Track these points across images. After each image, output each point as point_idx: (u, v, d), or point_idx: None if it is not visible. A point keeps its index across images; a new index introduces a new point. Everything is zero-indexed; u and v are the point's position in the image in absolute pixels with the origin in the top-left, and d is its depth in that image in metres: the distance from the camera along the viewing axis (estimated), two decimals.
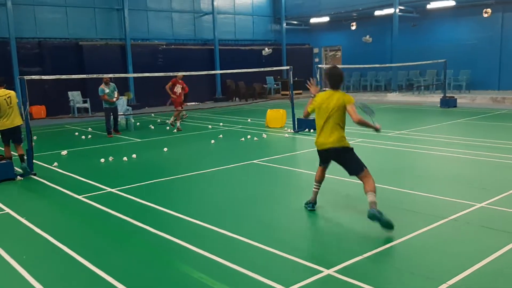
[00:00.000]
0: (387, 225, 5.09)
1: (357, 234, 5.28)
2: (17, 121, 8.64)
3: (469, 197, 6.35)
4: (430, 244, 4.88)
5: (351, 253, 4.66)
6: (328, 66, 5.87)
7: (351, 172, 5.63)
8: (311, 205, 6.07)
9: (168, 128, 14.72)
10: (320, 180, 6.03)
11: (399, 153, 9.84)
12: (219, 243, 5.11)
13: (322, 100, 5.62)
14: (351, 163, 5.61)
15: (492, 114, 15.56)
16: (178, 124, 14.29)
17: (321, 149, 5.72)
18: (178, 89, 14.22)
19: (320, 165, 5.97)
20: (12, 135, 8.67)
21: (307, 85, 6.11)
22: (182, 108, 14.61)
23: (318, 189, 6.05)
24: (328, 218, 5.92)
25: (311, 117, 6.22)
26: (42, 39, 20.16)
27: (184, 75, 14.38)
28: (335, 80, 5.69)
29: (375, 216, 5.12)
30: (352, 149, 5.65)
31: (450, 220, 5.53)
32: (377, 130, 5.51)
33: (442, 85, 19.65)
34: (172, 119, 14.63)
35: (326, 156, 5.77)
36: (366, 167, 5.54)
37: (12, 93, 8.64)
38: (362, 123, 5.39)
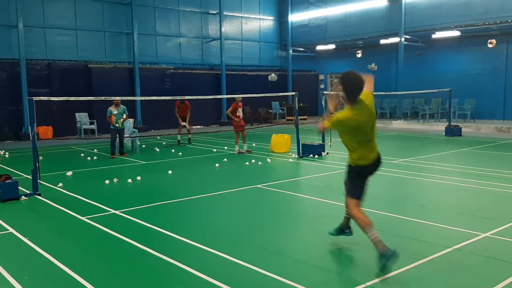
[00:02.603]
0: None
1: (358, 261, 5.25)
2: None
3: (473, 227, 6.32)
4: (434, 274, 4.84)
5: (354, 282, 4.64)
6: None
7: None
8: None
9: (173, 150, 14.79)
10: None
11: (403, 181, 9.82)
12: (222, 268, 5.09)
13: (351, 119, 4.85)
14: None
15: (497, 144, 15.55)
16: (237, 147, 14.09)
17: (368, 163, 5.04)
18: (240, 112, 14.03)
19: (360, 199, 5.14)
20: None
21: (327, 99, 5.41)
22: (244, 130, 14.15)
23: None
24: (330, 245, 5.89)
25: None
26: (52, 61, 20.49)
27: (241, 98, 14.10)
28: (360, 88, 4.90)
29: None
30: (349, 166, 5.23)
31: (454, 249, 5.49)
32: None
33: (447, 114, 19.72)
34: (245, 147, 14.19)
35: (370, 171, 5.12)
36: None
37: None
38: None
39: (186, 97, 14.38)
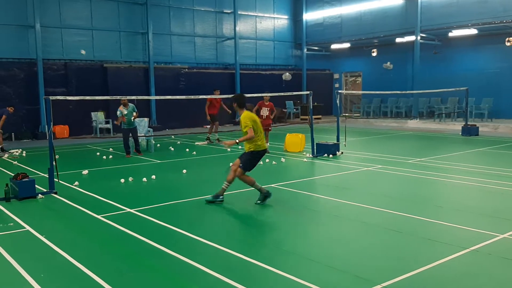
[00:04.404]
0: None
1: (375, 262, 5.20)
2: None
3: (491, 228, 6.22)
4: (451, 275, 4.78)
5: (368, 282, 4.59)
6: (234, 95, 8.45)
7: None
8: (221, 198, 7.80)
9: (187, 150, 14.83)
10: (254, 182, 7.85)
11: (420, 181, 9.71)
12: (236, 267, 5.08)
13: (252, 118, 7.68)
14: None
15: None
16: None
17: (264, 148, 7.81)
18: (264, 112, 14.00)
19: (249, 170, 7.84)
20: None
21: (224, 145, 8.41)
22: (269, 129, 14.16)
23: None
24: (345, 245, 5.85)
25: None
26: (68, 60, 20.71)
27: (270, 97, 14.09)
28: (244, 101, 8.02)
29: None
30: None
31: (472, 250, 5.41)
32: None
33: (463, 113, 19.46)
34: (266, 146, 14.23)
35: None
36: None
37: None
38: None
39: (201, 96, 14.41)
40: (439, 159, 12.15)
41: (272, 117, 14.14)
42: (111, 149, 15.44)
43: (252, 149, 7.71)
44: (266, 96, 13.98)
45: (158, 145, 16.20)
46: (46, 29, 19.85)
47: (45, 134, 9.07)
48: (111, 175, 10.99)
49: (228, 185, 7.81)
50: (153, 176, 10.31)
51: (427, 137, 17.82)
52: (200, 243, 5.89)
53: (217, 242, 5.83)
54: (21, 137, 19.10)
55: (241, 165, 7.74)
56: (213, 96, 15.48)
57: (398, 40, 24.76)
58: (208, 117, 16.11)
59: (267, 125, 14.00)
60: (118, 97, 12.30)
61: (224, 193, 7.88)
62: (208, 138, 16.83)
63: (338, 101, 14.22)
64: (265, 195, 7.74)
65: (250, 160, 7.76)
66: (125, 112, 13.39)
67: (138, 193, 9.11)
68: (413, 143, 16.45)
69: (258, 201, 7.72)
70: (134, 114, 13.52)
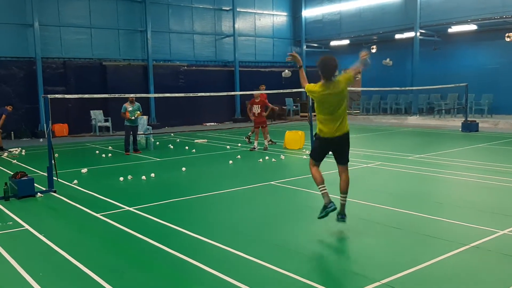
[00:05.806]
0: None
1: (374, 259, 5.18)
2: None
3: (490, 224, 6.20)
4: (450, 272, 4.76)
5: (367, 279, 4.58)
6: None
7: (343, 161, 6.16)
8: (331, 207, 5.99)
9: (187, 147, 14.81)
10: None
11: (420, 177, 9.70)
12: (236, 265, 5.07)
13: (314, 88, 6.04)
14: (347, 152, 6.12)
15: None
16: (256, 144, 13.98)
17: (328, 136, 5.94)
18: (256, 109, 13.97)
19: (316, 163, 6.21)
20: None
21: (291, 56, 6.86)
22: (264, 126, 14.06)
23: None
24: (345, 242, 5.84)
25: None
26: (67, 59, 20.67)
27: (260, 93, 13.99)
28: (330, 70, 6.14)
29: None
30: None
31: (471, 247, 5.40)
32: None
33: (463, 109, 19.43)
34: (266, 142, 14.14)
35: (330, 144, 6.01)
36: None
37: None
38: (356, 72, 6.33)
39: (200, 94, 14.37)
40: (439, 156, 12.13)
41: (265, 114, 14.10)
42: (110, 147, 15.42)
43: (316, 131, 6.03)
44: (256, 93, 13.98)
45: (158, 143, 16.19)
46: (44, 27, 19.81)
47: (45, 133, 9.04)
48: (110, 173, 10.98)
49: (322, 187, 6.10)
50: (152, 174, 10.30)
51: (426, 134, 17.80)
52: (200, 241, 5.87)
53: (217, 240, 5.81)
54: (20, 135, 19.09)
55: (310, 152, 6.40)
56: (259, 92, 14.80)
57: (397, 36, 24.72)
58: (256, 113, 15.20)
59: (261, 123, 14.01)
60: (117, 95, 12.28)
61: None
62: (270, 140, 15.13)
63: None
64: (325, 207, 5.99)
65: (315, 144, 6.24)
66: (130, 109, 13.50)
67: (137, 191, 9.10)
68: (413, 139, 16.43)
69: (321, 216, 6.05)
70: (138, 112, 13.60)
